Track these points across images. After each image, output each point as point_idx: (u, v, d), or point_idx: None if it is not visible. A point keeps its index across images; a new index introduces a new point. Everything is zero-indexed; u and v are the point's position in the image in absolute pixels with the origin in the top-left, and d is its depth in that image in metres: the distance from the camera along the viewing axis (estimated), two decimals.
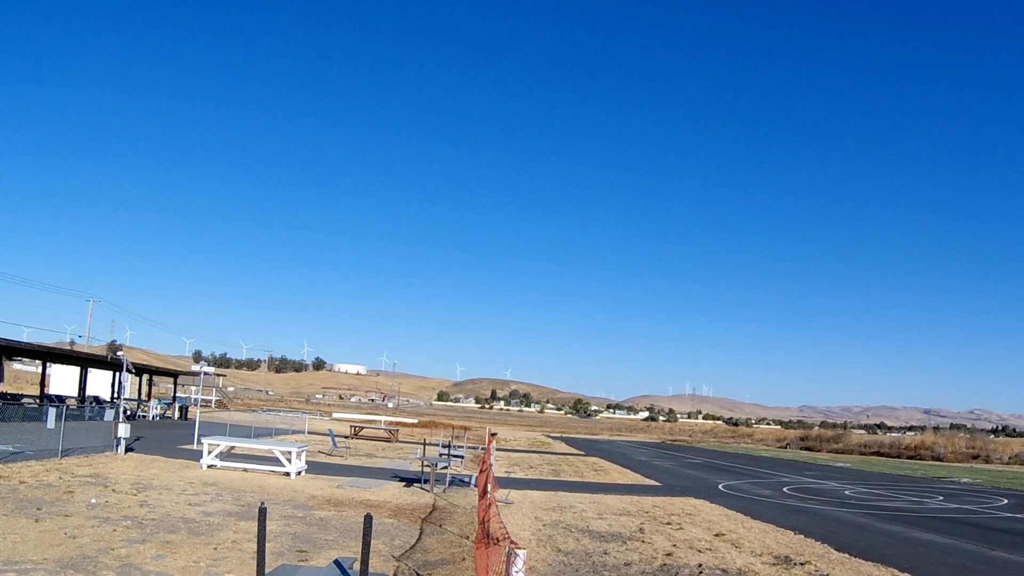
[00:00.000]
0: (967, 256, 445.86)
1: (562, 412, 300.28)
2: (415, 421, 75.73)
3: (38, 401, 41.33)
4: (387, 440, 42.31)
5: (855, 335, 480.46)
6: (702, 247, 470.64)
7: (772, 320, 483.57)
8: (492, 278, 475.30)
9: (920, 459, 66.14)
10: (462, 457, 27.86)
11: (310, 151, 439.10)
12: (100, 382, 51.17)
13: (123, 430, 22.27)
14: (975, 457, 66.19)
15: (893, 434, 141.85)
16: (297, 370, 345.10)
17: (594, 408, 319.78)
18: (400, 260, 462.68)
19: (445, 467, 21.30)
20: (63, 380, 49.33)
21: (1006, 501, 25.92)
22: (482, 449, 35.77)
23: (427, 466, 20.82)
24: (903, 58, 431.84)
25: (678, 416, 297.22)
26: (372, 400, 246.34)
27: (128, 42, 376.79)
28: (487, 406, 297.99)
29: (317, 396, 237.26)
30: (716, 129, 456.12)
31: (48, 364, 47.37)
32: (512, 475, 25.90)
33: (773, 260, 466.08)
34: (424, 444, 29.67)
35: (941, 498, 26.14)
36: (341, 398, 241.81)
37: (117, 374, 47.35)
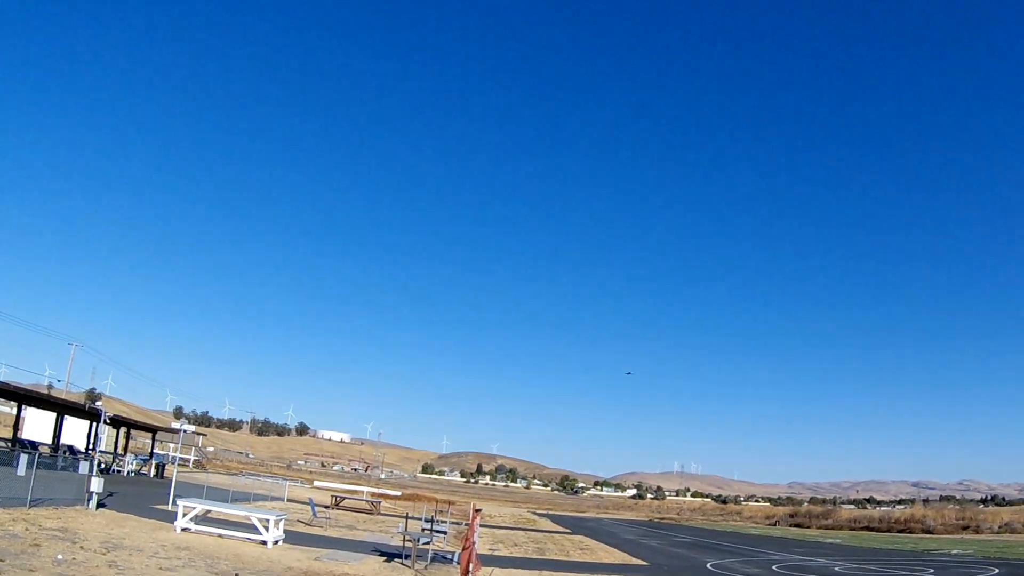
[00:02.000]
0: (951, 328, 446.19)
1: (549, 489, 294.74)
2: (398, 493, 73.87)
3: (10, 445, 40.13)
4: (369, 512, 41.05)
5: (843, 410, 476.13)
6: (688, 325, 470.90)
7: (760, 397, 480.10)
8: (480, 352, 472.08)
9: (910, 532, 65.30)
10: (445, 533, 26.93)
11: (302, 214, 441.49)
12: (76, 431, 49.92)
13: (96, 484, 21.53)
14: (965, 528, 65.05)
15: (883, 508, 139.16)
16: (280, 434, 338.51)
17: (581, 485, 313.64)
18: (389, 327, 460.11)
19: (427, 543, 20.55)
20: (38, 425, 48.09)
21: (997, 571, 25.08)
22: (466, 525, 34.64)
23: (409, 541, 20.06)
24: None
25: (666, 494, 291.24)
26: (355, 469, 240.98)
27: (111, 78, 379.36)
28: (473, 480, 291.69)
29: (299, 462, 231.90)
30: (703, 194, 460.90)
31: (23, 406, 46.27)
32: (496, 553, 25.01)
33: (759, 337, 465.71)
34: (407, 518, 28.75)
35: (932, 571, 25.32)
36: (323, 465, 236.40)
37: (94, 424, 46.29)
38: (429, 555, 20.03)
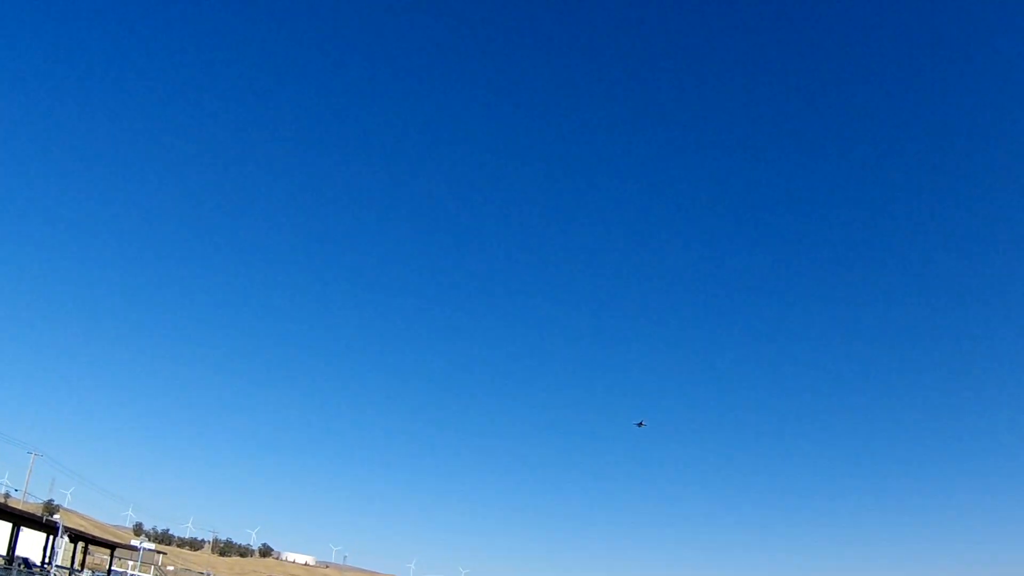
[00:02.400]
0: (931, 458, 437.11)
1: None
2: None
3: None
4: None
5: (824, 556, 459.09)
6: (666, 481, 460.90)
7: (739, 542, 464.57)
8: (449, 473, 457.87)
9: None
10: None
11: (269, 320, 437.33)
12: (32, 543, 46.67)
13: None
14: None
15: None
16: (242, 555, 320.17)
17: None
18: (357, 447, 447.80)
19: None
20: None
21: None
22: None
23: None
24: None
25: None
26: None
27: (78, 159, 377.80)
28: None
29: None
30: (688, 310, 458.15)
31: None
32: None
33: (735, 482, 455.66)
34: None
35: None
36: None
37: (51, 538, 43.36)
38: None
